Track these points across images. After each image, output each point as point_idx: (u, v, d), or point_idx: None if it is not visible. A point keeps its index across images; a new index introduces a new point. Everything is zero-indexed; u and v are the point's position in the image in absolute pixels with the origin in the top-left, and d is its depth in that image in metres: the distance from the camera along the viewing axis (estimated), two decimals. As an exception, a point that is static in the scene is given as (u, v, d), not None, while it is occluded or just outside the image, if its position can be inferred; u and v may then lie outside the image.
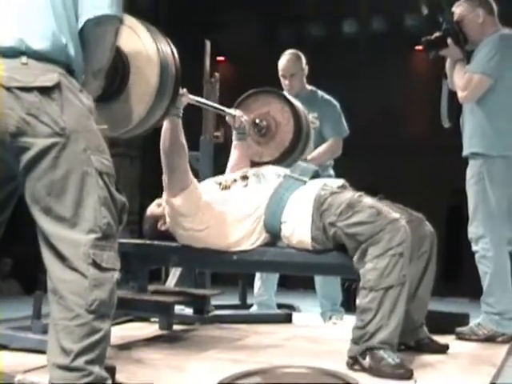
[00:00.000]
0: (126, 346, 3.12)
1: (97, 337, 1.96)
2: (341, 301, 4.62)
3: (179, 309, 3.86)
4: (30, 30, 2.05)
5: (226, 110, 3.70)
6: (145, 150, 7.89)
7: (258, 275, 4.55)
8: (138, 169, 7.97)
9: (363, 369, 2.69)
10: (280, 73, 4.63)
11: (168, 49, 2.72)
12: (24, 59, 2.01)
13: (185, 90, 3.07)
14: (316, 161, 4.36)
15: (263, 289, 4.54)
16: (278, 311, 4.41)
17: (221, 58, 8.33)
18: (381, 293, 2.72)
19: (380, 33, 8.18)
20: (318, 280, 4.59)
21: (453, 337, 3.59)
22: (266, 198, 3.13)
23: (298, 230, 3.02)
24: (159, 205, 3.35)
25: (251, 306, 4.53)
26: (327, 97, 4.68)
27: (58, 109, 1.99)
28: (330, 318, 4.50)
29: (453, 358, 3.10)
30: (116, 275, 2.04)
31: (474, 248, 3.69)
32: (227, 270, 4.07)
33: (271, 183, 3.19)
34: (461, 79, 3.63)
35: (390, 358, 2.66)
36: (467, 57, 3.69)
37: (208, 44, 4.07)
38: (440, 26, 3.71)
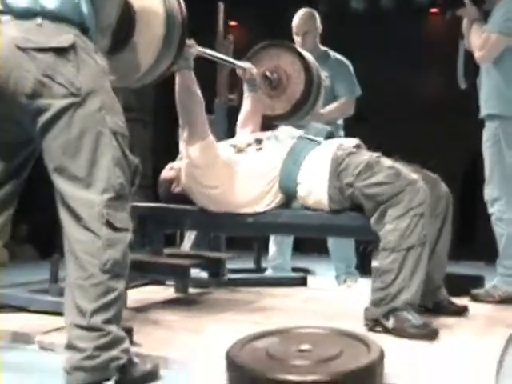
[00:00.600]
0: (142, 309, 3.15)
1: (112, 296, 1.98)
2: (355, 263, 4.62)
3: (194, 272, 3.87)
4: None
5: (236, 62, 3.68)
6: (157, 115, 7.87)
7: (272, 238, 4.56)
8: (151, 133, 7.94)
9: (386, 330, 2.71)
10: (293, 30, 4.57)
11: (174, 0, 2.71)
12: (39, 20, 2.01)
13: (192, 40, 3.05)
14: (326, 117, 4.33)
15: (278, 252, 4.54)
16: (293, 274, 4.42)
17: (233, 23, 8.23)
18: (402, 253, 2.73)
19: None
20: (332, 243, 4.59)
21: (468, 299, 3.60)
22: (280, 159, 3.12)
23: (315, 189, 3.01)
24: (171, 168, 3.36)
25: (266, 269, 4.55)
26: (340, 57, 4.63)
27: (74, 70, 2.00)
28: (345, 281, 4.51)
29: (468, 320, 3.11)
30: (129, 236, 2.05)
31: (489, 210, 3.68)
32: (242, 233, 4.07)
33: (285, 144, 3.17)
34: (478, 39, 3.58)
35: (415, 318, 2.68)
36: (484, 16, 3.64)
37: (221, 6, 4.03)
38: None
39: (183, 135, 3.14)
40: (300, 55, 3.90)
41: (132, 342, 2.43)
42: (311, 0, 7.48)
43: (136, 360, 2.10)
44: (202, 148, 3.11)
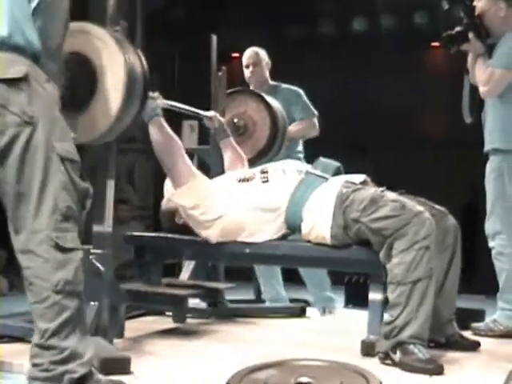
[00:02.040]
0: (140, 339, 3.12)
1: (67, 314, 2.05)
2: (330, 286, 4.59)
3: (194, 303, 3.85)
4: None
5: (201, 112, 3.72)
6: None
7: (258, 273, 4.52)
8: (154, 164, 7.92)
9: (394, 363, 2.70)
10: (243, 63, 4.77)
11: (135, 57, 2.78)
12: None
13: (157, 93, 3.14)
14: (290, 134, 4.35)
15: (268, 286, 4.52)
16: (292, 305, 4.38)
17: (236, 55, 8.28)
18: (409, 286, 2.73)
19: (391, 30, 8.12)
20: (303, 269, 4.54)
21: (468, 333, 3.56)
22: (288, 194, 3.11)
23: (318, 226, 3.00)
24: (169, 199, 3.37)
25: (265, 301, 4.51)
26: (290, 86, 4.74)
27: (26, 99, 2.09)
28: (324, 311, 4.45)
29: (469, 355, 3.06)
30: (80, 254, 2.13)
31: (490, 244, 3.66)
32: (240, 264, 4.07)
33: (292, 179, 3.16)
34: (482, 74, 3.57)
35: (421, 352, 2.66)
36: (488, 50, 3.64)
37: (214, 38, 4.07)
38: (460, 21, 3.66)
39: (170, 183, 3.21)
40: (265, 101, 3.97)
41: (129, 372, 2.43)
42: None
43: (99, 377, 2.14)
44: (190, 190, 3.15)
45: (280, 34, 8.06)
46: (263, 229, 3.12)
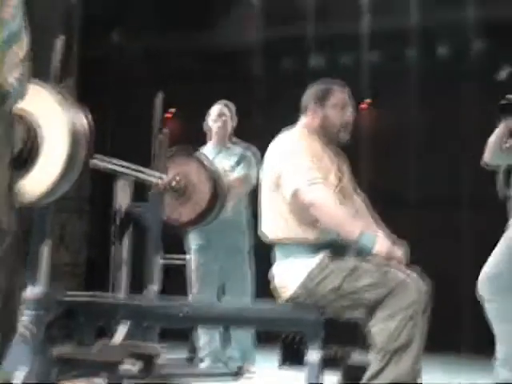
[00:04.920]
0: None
1: None
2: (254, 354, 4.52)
3: (129, 363, 3.76)
4: None
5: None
6: (93, 204, 7.77)
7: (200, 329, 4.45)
8: (86, 222, 7.83)
9: None
10: (215, 113, 4.67)
11: (80, 117, 2.75)
12: None
13: None
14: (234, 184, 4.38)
15: (209, 342, 4.42)
16: (226, 369, 4.31)
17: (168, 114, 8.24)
18: (388, 355, 2.68)
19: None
20: (234, 334, 4.48)
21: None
22: None
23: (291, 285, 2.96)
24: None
25: (202, 360, 4.45)
26: (245, 146, 4.71)
27: None
28: (240, 368, 4.33)
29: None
30: None
31: None
32: (175, 326, 4.03)
33: None
34: None
35: None
36: None
37: (160, 96, 3.99)
38: None
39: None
40: (204, 164, 3.99)
41: None
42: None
43: None
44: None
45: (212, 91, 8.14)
46: None
